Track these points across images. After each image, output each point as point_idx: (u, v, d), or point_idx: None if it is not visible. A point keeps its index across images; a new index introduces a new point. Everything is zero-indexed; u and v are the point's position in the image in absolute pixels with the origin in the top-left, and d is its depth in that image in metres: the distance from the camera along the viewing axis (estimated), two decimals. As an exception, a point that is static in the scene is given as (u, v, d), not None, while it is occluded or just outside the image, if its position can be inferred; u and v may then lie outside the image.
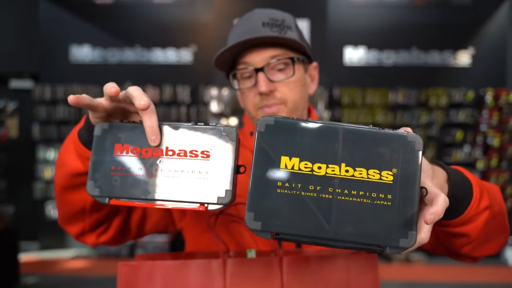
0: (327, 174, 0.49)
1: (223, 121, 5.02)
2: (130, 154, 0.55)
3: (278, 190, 0.49)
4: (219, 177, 0.53)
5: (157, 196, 0.53)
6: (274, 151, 0.50)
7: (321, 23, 4.83)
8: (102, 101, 0.58)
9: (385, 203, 0.48)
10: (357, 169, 0.49)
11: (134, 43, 5.25)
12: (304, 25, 4.65)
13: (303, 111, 0.89)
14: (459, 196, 0.62)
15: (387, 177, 0.49)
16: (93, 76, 5.16)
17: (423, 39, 5.16)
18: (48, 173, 5.10)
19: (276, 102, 0.83)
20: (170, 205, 0.53)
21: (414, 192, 0.49)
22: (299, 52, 0.85)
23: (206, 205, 0.52)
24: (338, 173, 0.49)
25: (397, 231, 0.47)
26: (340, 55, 5.21)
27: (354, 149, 0.50)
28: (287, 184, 0.49)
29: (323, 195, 0.48)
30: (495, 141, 4.88)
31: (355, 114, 5.08)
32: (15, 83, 5.35)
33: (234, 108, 4.91)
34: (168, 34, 5.25)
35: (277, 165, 0.50)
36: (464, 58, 5.14)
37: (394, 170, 0.49)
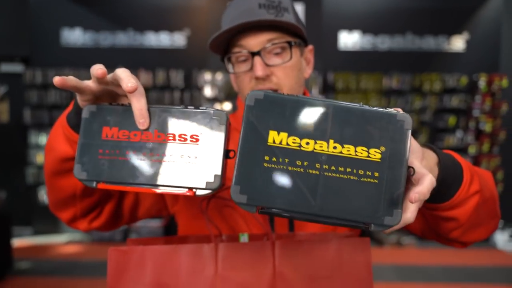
0: (315, 150, 0.49)
1: (217, 106, 5.00)
2: (118, 137, 0.54)
3: (265, 165, 0.49)
4: (208, 162, 0.52)
5: (145, 181, 0.52)
6: (262, 125, 0.50)
7: (316, 7, 4.78)
8: (89, 83, 0.57)
9: (372, 180, 0.48)
10: (345, 146, 0.49)
11: (126, 27, 5.17)
12: (299, 9, 4.60)
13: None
14: (449, 180, 0.62)
15: (374, 155, 0.49)
16: (85, 60, 5.08)
17: (418, 24, 5.14)
18: (40, 158, 5.06)
19: (272, 86, 0.81)
20: (158, 190, 0.52)
21: (401, 171, 0.49)
22: (296, 35, 0.84)
23: (194, 190, 0.51)
24: (326, 150, 0.49)
25: (383, 209, 0.47)
26: (334, 39, 5.18)
27: (343, 126, 0.49)
28: (274, 159, 0.49)
29: (310, 171, 0.48)
30: (487, 127, 4.91)
31: (349, 99, 5.04)
32: (6, 67, 5.27)
33: (228, 93, 4.88)
34: (161, 18, 5.17)
35: (264, 140, 0.49)
36: (458, 43, 5.13)
37: (382, 148, 0.49)
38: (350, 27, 5.18)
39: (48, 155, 0.72)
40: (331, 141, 0.50)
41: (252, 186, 0.48)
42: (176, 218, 0.91)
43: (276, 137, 0.50)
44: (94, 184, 0.54)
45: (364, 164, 0.49)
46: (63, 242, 4.78)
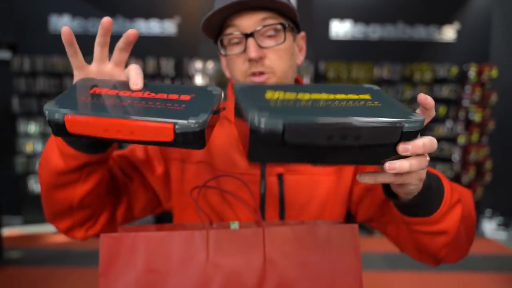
0: (312, 97, 0.51)
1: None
2: (106, 92, 0.53)
3: (272, 103, 0.48)
4: (196, 110, 0.50)
5: (121, 114, 0.49)
6: (257, 89, 0.52)
7: (307, -5, 4.77)
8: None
9: (376, 104, 0.50)
10: (336, 94, 0.52)
11: (115, 14, 5.10)
12: (290, -3, 4.58)
13: (292, 81, 0.87)
14: (433, 187, 0.60)
15: (365, 96, 0.52)
16: (73, 48, 5.01)
17: (409, 13, 5.14)
18: (29, 147, 5.01)
19: (265, 70, 0.80)
20: (134, 123, 0.48)
21: (394, 100, 0.52)
22: (289, 19, 0.83)
23: (174, 123, 0.48)
24: (322, 97, 0.51)
25: (403, 114, 0.47)
26: (326, 28, 5.17)
27: (331, 89, 0.54)
28: (280, 103, 0.49)
29: (317, 105, 0.49)
30: (476, 116, 4.96)
31: (340, 89, 5.09)
32: (-8, 54, 5.18)
33: (219, 82, 4.86)
34: (151, 5, 5.11)
35: (262, 95, 0.51)
36: (449, 33, 5.15)
37: (368, 94, 0.53)
38: (342, 16, 5.16)
39: (43, 169, 0.71)
40: (324, 93, 0.52)
41: (268, 109, 0.46)
42: (172, 212, 0.91)
43: (273, 93, 0.51)
44: (61, 116, 0.48)
45: (361, 100, 0.51)
46: (54, 231, 4.77)
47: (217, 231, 0.63)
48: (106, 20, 0.59)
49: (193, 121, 0.48)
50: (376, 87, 0.57)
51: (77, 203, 0.71)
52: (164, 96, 0.54)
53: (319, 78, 5.10)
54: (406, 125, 0.46)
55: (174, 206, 0.88)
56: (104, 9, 5.09)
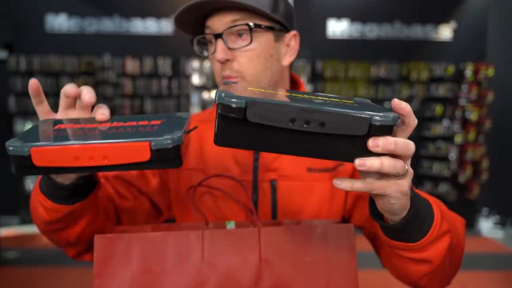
0: (293, 95, 0.51)
1: (205, 94, 4.97)
2: (72, 126, 0.52)
3: (249, 90, 0.48)
4: (169, 129, 0.50)
5: (93, 139, 0.47)
6: (239, 86, 0.52)
7: (304, -6, 4.77)
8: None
9: (356, 105, 0.49)
10: (319, 97, 0.51)
11: (112, 13, 5.09)
12: (287, -4, 4.58)
13: (278, 84, 0.83)
14: (422, 213, 0.58)
15: (348, 101, 0.51)
16: (70, 46, 5.00)
17: (406, 12, 5.15)
18: (26, 146, 4.99)
19: (232, 73, 0.77)
20: (107, 145, 0.46)
21: (376, 105, 0.51)
22: (270, 20, 0.78)
23: (150, 141, 0.46)
24: (302, 96, 0.51)
25: (377, 110, 0.47)
26: (323, 27, 5.17)
27: (315, 94, 0.53)
28: (256, 92, 0.49)
29: (296, 98, 0.48)
30: (473, 115, 4.97)
31: (337, 88, 5.09)
32: (-12, 53, 5.16)
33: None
34: (148, 4, 5.10)
35: (244, 88, 0.50)
36: (445, 32, 5.16)
37: (352, 100, 0.52)
38: (339, 15, 5.16)
39: (33, 215, 0.70)
40: (305, 95, 0.52)
41: (239, 93, 0.46)
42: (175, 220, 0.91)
43: (254, 89, 0.51)
44: (27, 149, 0.46)
45: (342, 101, 0.50)
46: (51, 231, 4.75)
47: (212, 231, 0.63)
48: (32, 82, 0.58)
49: (169, 136, 0.47)
50: (364, 99, 0.56)
51: (74, 240, 0.70)
52: (134, 123, 0.52)
53: (316, 77, 5.10)
54: (375, 117, 0.44)
55: (176, 214, 0.88)
56: (101, 8, 5.08)
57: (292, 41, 0.84)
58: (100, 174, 0.81)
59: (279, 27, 0.80)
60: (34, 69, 4.94)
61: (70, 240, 0.70)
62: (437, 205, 0.62)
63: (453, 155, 5.01)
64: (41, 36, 5.04)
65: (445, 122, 5.09)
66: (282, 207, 0.80)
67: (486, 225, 5.08)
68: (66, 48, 4.98)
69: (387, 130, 0.46)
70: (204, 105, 4.93)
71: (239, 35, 0.77)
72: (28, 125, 5.00)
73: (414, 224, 0.57)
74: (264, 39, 0.78)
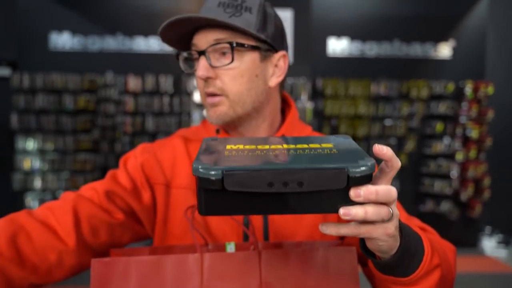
0: (271, 147, 0.52)
1: (205, 112, 4.98)
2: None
3: (226, 153, 0.49)
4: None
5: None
6: (219, 143, 0.54)
7: (305, 14, 4.81)
8: None
9: (333, 152, 0.50)
10: (298, 145, 0.53)
11: (115, 31, 5.15)
12: (288, 15, 4.62)
13: (264, 105, 0.83)
14: (411, 249, 0.58)
15: (327, 145, 0.52)
16: (73, 64, 5.04)
17: (405, 31, 5.20)
18: (27, 163, 4.99)
19: (216, 91, 0.78)
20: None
21: (356, 146, 0.52)
22: (257, 39, 0.78)
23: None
24: (281, 147, 0.52)
25: (353, 158, 0.47)
26: (323, 46, 5.21)
27: (292, 141, 0.55)
28: (234, 152, 0.50)
29: (273, 153, 0.50)
30: (474, 133, 4.97)
31: (337, 105, 5.11)
32: (-8, 71, 5.21)
33: (217, 99, 4.87)
34: (150, 22, 5.15)
35: (223, 147, 0.52)
36: (445, 50, 5.20)
37: (332, 143, 0.53)
38: (339, 34, 5.22)
39: None
40: (284, 145, 0.53)
41: (216, 161, 0.46)
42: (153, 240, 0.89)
43: (233, 147, 0.52)
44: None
45: (320, 148, 0.51)
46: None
47: (212, 254, 0.62)
48: None
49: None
50: (347, 137, 0.56)
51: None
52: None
53: (316, 95, 5.12)
54: (352, 169, 0.44)
55: (157, 233, 0.84)
56: (105, 27, 5.14)
57: (280, 61, 0.83)
58: (91, 187, 0.81)
59: (266, 47, 0.79)
60: (37, 86, 4.97)
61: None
62: (427, 239, 0.61)
63: (454, 173, 4.99)
64: (45, 54, 5.09)
65: (446, 140, 5.08)
66: (273, 231, 0.79)
67: (489, 244, 5.02)
68: (69, 66, 5.03)
69: (366, 179, 0.46)
70: (200, 95, 4.94)
71: (223, 53, 0.77)
72: (30, 142, 5.01)
73: (404, 260, 0.57)
74: (248, 59, 0.77)
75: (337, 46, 5.22)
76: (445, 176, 5.05)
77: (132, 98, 5.05)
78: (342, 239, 0.82)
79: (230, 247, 0.71)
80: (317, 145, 0.52)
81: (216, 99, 0.78)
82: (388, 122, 5.12)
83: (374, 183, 0.50)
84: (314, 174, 0.44)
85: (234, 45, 0.75)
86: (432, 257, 0.60)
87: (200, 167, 0.44)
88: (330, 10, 5.19)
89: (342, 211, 0.46)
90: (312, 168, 0.44)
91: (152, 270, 0.60)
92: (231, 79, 0.77)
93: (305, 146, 0.52)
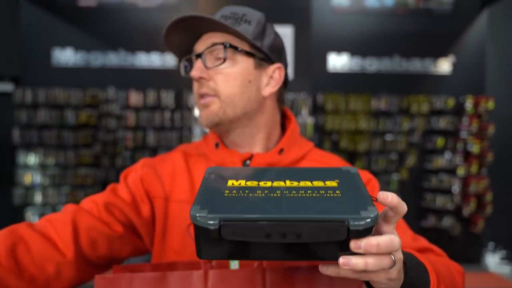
0: (273, 185, 0.51)
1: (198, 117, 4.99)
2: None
3: (226, 194, 0.49)
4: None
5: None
6: (221, 177, 0.53)
7: (305, 29, 4.86)
8: None
9: (336, 194, 0.48)
10: (301, 181, 0.51)
11: (117, 47, 5.20)
12: (288, 31, 4.67)
13: (257, 114, 0.84)
14: (416, 283, 0.56)
15: (331, 184, 0.51)
16: (75, 80, 5.08)
17: (405, 46, 5.25)
18: (28, 178, 4.99)
19: (208, 91, 0.79)
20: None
21: (361, 187, 0.50)
22: (253, 47, 0.81)
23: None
24: (284, 184, 0.51)
25: (355, 207, 0.45)
26: (324, 61, 5.26)
27: (300, 175, 0.54)
28: (234, 191, 0.49)
29: (272, 195, 0.48)
30: (475, 148, 4.97)
31: (338, 120, 5.12)
32: (-5, 86, 5.24)
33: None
34: (152, 38, 5.21)
35: (224, 183, 0.51)
36: (444, 65, 5.24)
37: (337, 180, 0.52)
38: (339, 49, 5.26)
39: None
40: (287, 180, 0.52)
41: (214, 205, 0.45)
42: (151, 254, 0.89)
43: (234, 182, 0.51)
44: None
45: (323, 188, 0.50)
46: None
47: (216, 271, 0.62)
48: None
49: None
50: (354, 170, 0.55)
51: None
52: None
53: (317, 110, 5.14)
54: (352, 222, 0.43)
55: (156, 247, 0.84)
56: (107, 43, 5.19)
57: (276, 73, 0.85)
58: (91, 200, 0.81)
59: (262, 56, 0.82)
60: (39, 101, 5.00)
61: None
62: (432, 269, 0.60)
63: (456, 188, 4.98)
64: (48, 70, 5.14)
65: (447, 155, 5.08)
66: None
67: (493, 260, 4.97)
68: (71, 81, 5.07)
69: (367, 231, 0.44)
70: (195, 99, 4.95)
71: (219, 58, 0.80)
72: (31, 157, 5.01)
73: None
74: (243, 63, 0.80)
75: (337, 61, 5.26)
76: (447, 191, 5.03)
77: (134, 113, 5.07)
78: None
79: (234, 264, 0.71)
80: (321, 184, 0.50)
81: (208, 99, 0.80)
82: (388, 137, 5.13)
83: (377, 229, 0.49)
84: (314, 226, 0.42)
85: (228, 46, 0.78)
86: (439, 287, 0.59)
87: (197, 215, 0.43)
88: (330, 26, 5.24)
89: (341, 260, 0.45)
90: (312, 220, 0.43)
91: (156, 286, 0.59)
92: (224, 80, 0.79)
93: (309, 184, 0.50)
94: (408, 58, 5.25)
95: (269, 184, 0.51)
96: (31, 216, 4.97)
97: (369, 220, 0.43)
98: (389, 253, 0.47)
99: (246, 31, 0.79)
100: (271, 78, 0.85)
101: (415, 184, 5.22)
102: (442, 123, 5.09)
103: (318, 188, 0.49)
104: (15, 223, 0.73)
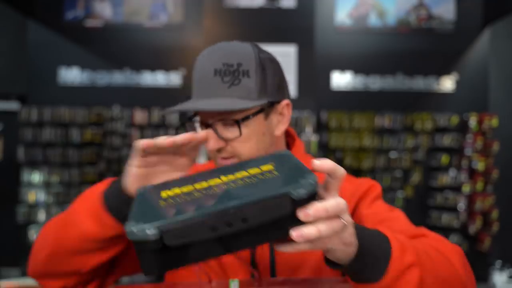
0: (210, 184, 0.49)
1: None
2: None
3: (162, 204, 0.46)
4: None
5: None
6: (154, 192, 0.51)
7: (308, 48, 4.92)
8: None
9: (273, 175, 0.47)
10: (236, 173, 0.50)
11: (123, 66, 5.27)
12: (292, 50, 4.72)
13: (269, 150, 0.82)
14: (375, 251, 0.55)
15: (267, 167, 0.50)
16: (81, 98, 5.14)
17: (408, 65, 5.28)
18: (32, 196, 5.00)
19: (229, 155, 0.78)
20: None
21: (297, 163, 0.49)
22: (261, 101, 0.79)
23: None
24: (220, 181, 0.50)
25: (294, 179, 0.44)
26: (327, 79, 5.29)
27: (234, 169, 0.53)
28: (170, 200, 0.47)
29: (211, 192, 0.47)
30: (480, 165, 4.94)
31: (342, 138, 5.12)
32: (1, 105, 5.30)
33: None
34: (157, 57, 5.28)
35: (158, 196, 0.50)
36: (447, 83, 5.25)
37: (272, 163, 0.51)
38: (342, 68, 5.30)
39: (66, 229, 0.68)
40: (222, 176, 0.51)
41: (150, 217, 0.43)
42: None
43: (168, 192, 0.50)
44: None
45: (260, 173, 0.49)
46: (51, 283, 4.63)
47: (216, 291, 0.61)
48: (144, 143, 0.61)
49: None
50: (286, 152, 0.54)
51: (87, 269, 0.69)
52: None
53: (321, 128, 5.15)
54: (294, 192, 0.42)
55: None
56: (112, 62, 5.26)
57: (284, 109, 0.83)
58: None
59: (269, 104, 0.80)
60: (45, 120, 5.04)
61: (84, 267, 0.69)
62: (396, 239, 0.58)
63: (462, 205, 4.93)
64: (54, 88, 5.20)
65: (452, 172, 5.05)
66: (280, 262, 0.78)
67: (500, 279, 4.88)
68: (77, 100, 5.12)
69: (312, 197, 0.44)
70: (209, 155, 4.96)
71: (230, 124, 0.77)
72: (35, 175, 5.02)
73: (368, 263, 0.54)
74: (254, 123, 0.78)
75: (341, 79, 5.29)
76: (453, 209, 4.98)
77: (138, 131, 5.10)
78: (344, 275, 0.81)
79: (234, 284, 0.71)
80: (257, 170, 0.49)
81: (229, 160, 0.79)
82: (393, 155, 5.12)
83: (321, 197, 0.48)
84: (257, 207, 0.41)
85: (240, 121, 0.75)
86: (403, 256, 0.57)
87: (134, 229, 0.40)
88: (334, 45, 5.29)
89: (294, 233, 0.44)
90: (253, 202, 0.42)
91: (155, 307, 0.59)
92: (242, 144, 0.77)
93: (245, 173, 0.49)
94: (411, 76, 5.27)
95: (204, 184, 0.49)
96: (34, 234, 4.95)
97: (310, 185, 0.43)
98: (338, 216, 0.47)
99: (249, 89, 0.75)
100: (280, 115, 0.83)
101: (420, 202, 5.18)
102: (446, 140, 5.08)
103: (254, 175, 0.49)
104: (17, 242, 0.73)
